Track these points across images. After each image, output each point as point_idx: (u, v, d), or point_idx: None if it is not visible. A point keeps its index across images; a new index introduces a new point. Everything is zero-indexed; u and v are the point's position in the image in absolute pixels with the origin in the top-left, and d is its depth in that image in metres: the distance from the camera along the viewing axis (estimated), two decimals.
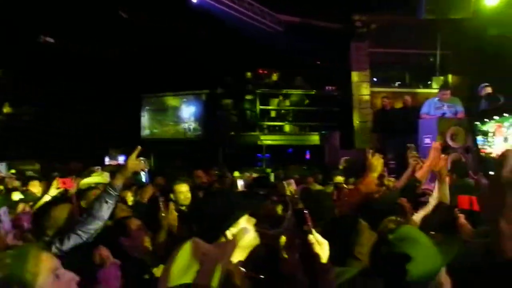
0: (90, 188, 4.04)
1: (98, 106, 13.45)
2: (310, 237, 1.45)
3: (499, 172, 1.25)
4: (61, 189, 4.08)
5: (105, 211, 2.39)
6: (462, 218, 2.84)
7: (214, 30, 9.10)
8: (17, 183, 6.60)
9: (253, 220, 1.87)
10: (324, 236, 2.00)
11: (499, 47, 9.15)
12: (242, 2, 8.89)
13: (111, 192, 2.43)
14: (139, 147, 2.62)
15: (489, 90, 7.47)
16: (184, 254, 1.25)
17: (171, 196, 3.69)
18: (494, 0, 7.68)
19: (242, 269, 1.85)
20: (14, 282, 1.32)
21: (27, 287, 1.33)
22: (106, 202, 2.40)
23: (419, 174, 3.70)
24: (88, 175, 5.24)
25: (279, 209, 3.44)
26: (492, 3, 7.73)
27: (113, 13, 10.39)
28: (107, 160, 13.25)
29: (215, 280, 1.22)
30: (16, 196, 5.19)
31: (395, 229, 1.52)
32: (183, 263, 1.23)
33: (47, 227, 2.42)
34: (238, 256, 1.79)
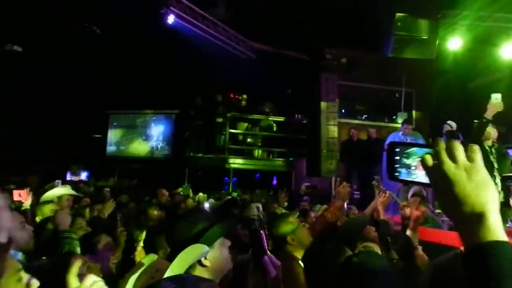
0: (45, 202, 3.91)
1: (62, 120, 13.08)
2: (265, 258, 1.43)
3: None
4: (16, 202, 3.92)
5: None
6: (419, 249, 2.89)
7: (188, 52, 9.16)
8: None
9: (228, 243, 1.72)
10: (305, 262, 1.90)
11: (458, 88, 9.72)
12: (217, 27, 9.04)
13: None
14: None
15: (448, 127, 7.83)
16: (142, 266, 1.23)
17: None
18: (456, 45, 8.15)
19: None
20: None
21: None
22: None
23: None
24: (50, 189, 5.04)
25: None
26: (454, 48, 8.21)
27: (86, 28, 10.28)
28: (68, 176, 12.83)
29: None
30: None
31: (359, 253, 1.54)
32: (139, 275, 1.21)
33: None
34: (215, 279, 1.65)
